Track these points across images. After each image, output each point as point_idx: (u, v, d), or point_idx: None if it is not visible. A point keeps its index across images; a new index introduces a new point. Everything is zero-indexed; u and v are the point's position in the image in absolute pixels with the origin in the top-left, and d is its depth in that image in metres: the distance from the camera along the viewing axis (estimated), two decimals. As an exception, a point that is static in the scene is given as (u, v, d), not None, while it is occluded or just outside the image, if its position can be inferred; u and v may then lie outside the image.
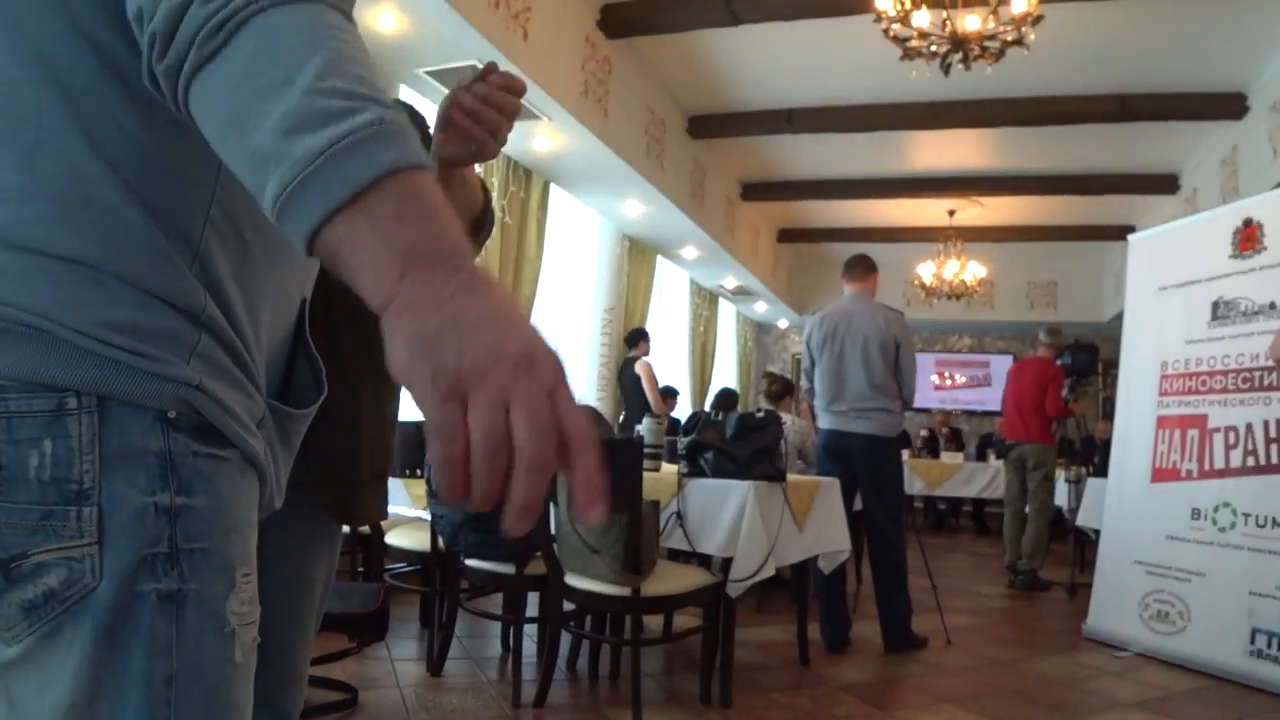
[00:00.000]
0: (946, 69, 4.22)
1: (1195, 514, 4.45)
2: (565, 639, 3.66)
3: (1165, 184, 8.04)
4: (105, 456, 0.70)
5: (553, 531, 3.28)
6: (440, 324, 0.56)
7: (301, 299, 0.94)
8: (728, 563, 3.37)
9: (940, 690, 3.78)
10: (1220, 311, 4.47)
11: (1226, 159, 6.77)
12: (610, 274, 8.36)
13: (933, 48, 4.17)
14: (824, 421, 4.52)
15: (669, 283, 10.35)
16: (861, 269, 4.58)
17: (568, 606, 3.39)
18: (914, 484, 9.73)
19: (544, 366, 0.57)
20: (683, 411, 8.81)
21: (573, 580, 3.22)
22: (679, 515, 3.43)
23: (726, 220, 9.04)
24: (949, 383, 13.67)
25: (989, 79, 5.92)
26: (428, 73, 5.02)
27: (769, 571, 3.36)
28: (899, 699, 3.66)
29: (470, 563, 3.55)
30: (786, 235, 11.26)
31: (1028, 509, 6.54)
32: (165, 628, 0.71)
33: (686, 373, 10.66)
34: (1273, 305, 4.13)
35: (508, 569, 3.41)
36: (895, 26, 4.13)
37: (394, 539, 3.98)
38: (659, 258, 9.42)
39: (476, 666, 3.81)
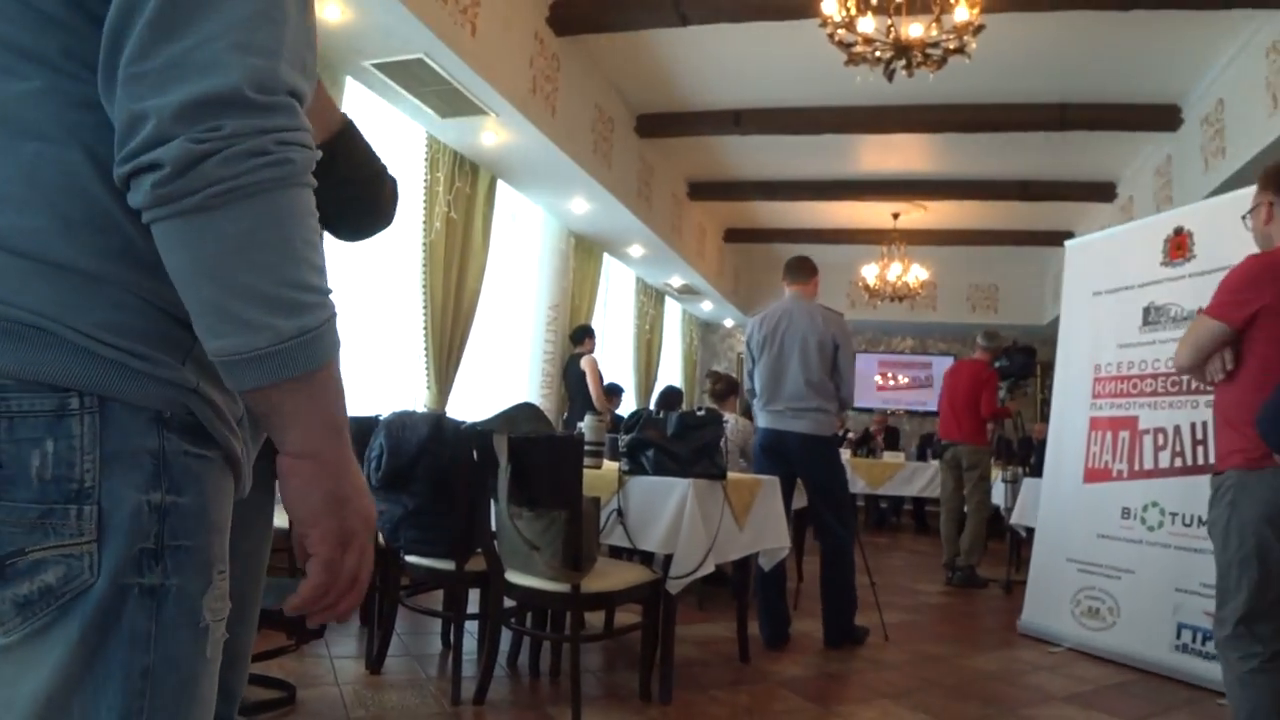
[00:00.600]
0: (890, 75, 4.28)
1: (1125, 513, 4.57)
2: (506, 636, 3.66)
3: (1103, 192, 8.24)
4: (105, 456, 0.72)
5: (493, 528, 3.26)
6: (346, 489, 0.82)
7: None
8: (669, 560, 3.38)
9: (878, 685, 3.83)
10: (1151, 317, 4.58)
11: (1161, 168, 6.96)
12: (556, 271, 8.33)
13: (877, 54, 4.22)
14: (761, 420, 4.55)
15: (615, 280, 10.36)
16: (803, 271, 4.62)
17: (508, 603, 3.38)
18: (856, 483, 9.82)
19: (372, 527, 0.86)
20: (628, 409, 8.83)
21: (513, 577, 3.21)
22: (619, 512, 3.43)
23: (673, 219, 9.06)
24: (892, 383, 13.86)
25: (933, 85, 6.00)
26: (374, 65, 4.96)
27: (709, 568, 3.38)
28: (837, 694, 3.71)
29: (410, 559, 3.52)
30: (733, 235, 11.34)
31: (965, 508, 6.66)
32: (145, 621, 0.74)
33: (631, 370, 10.68)
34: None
35: (448, 566, 3.38)
36: (840, 32, 4.17)
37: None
38: (606, 255, 9.41)
39: (417, 664, 3.77)
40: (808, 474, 4.43)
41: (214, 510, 0.81)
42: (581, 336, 7.78)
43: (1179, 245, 4.47)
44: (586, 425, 3.78)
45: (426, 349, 6.19)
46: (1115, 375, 4.78)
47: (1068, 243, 5.34)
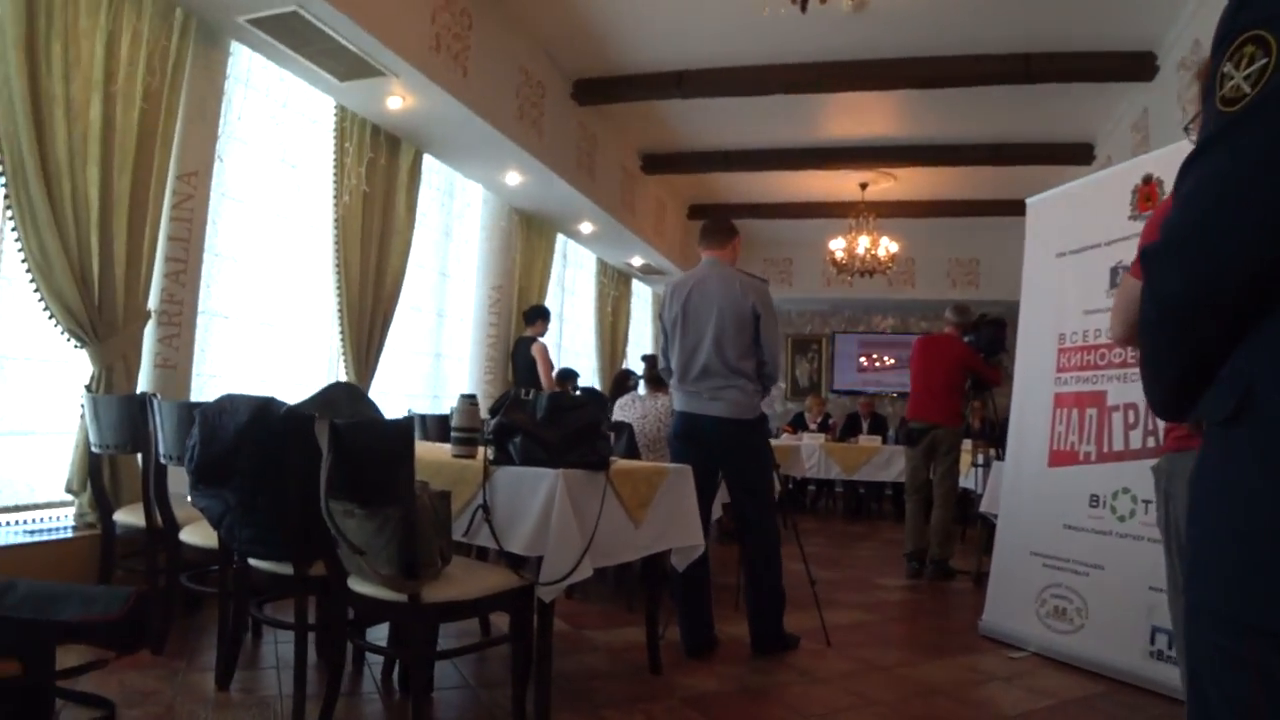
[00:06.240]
0: (803, 5, 3.76)
1: (1094, 500, 4.10)
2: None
3: (1080, 153, 7.69)
4: None
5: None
6: None
7: None
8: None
9: (800, 703, 3.34)
10: (1119, 278, 4.06)
11: (1138, 123, 6.42)
12: (498, 249, 7.82)
13: (791, -11, 3.72)
14: (677, 402, 4.05)
15: (574, 260, 9.87)
16: (719, 234, 4.11)
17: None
18: (830, 469, 9.41)
19: None
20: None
21: (355, 584, 2.74)
22: (485, 508, 2.94)
23: (624, 194, 8.56)
24: (877, 364, 13.31)
25: (885, 38, 5.55)
26: (250, 21, 4.47)
27: (586, 572, 2.90)
28: (749, 715, 3.21)
29: (252, 563, 3.06)
30: (697, 211, 10.78)
31: (933, 494, 6.19)
32: None
33: (594, 353, 10.18)
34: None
35: (288, 570, 2.91)
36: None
37: (189, 536, 3.47)
38: (560, 235, 8.91)
39: (278, 677, 3.32)
40: (726, 461, 3.94)
41: None
42: (534, 318, 7.37)
43: (1148, 195, 3.98)
44: (457, 409, 3.28)
45: (343, 332, 5.70)
46: (1081, 345, 4.29)
47: (1028, 200, 4.81)
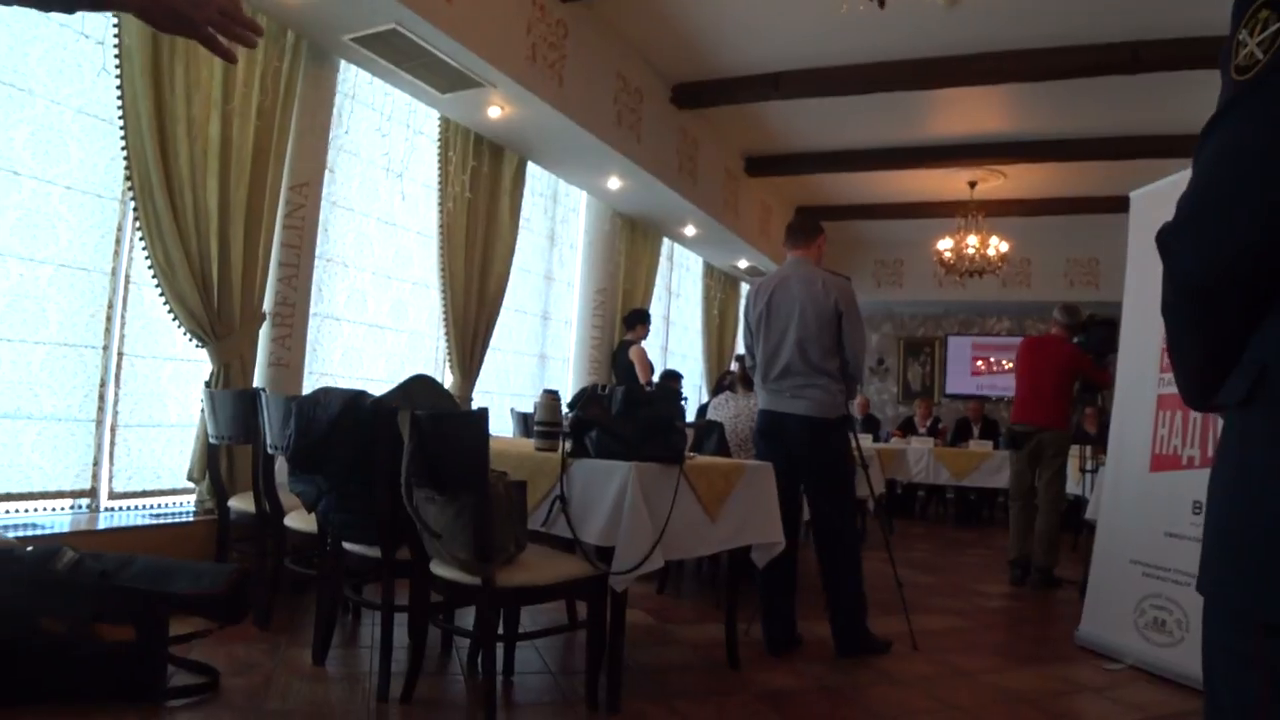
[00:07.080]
0: (881, 2, 3.74)
1: (1197, 507, 3.93)
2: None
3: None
4: None
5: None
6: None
7: None
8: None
9: (877, 705, 3.32)
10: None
11: (1261, 111, 6.07)
12: (601, 253, 7.97)
13: (862, -21, 3.71)
14: (760, 401, 4.08)
15: (681, 263, 9.96)
16: (803, 233, 4.12)
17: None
18: (939, 474, 9.23)
19: None
20: (692, 394, 8.57)
21: (436, 568, 2.89)
22: (562, 499, 3.05)
23: (727, 197, 8.57)
24: (994, 368, 12.91)
25: (984, 32, 5.43)
26: (353, 40, 4.71)
27: (656, 563, 2.96)
28: (823, 714, 3.21)
29: (346, 546, 3.25)
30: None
31: (1038, 500, 6.02)
32: None
33: (701, 356, 10.24)
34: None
35: (378, 553, 3.09)
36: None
37: (293, 521, 3.70)
38: (666, 239, 9.00)
39: (371, 656, 3.49)
40: (806, 460, 3.93)
41: None
42: (634, 322, 7.45)
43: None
44: (539, 404, 3.41)
45: (448, 333, 5.93)
46: (1186, 345, 4.11)
47: (1131, 194, 4.66)
